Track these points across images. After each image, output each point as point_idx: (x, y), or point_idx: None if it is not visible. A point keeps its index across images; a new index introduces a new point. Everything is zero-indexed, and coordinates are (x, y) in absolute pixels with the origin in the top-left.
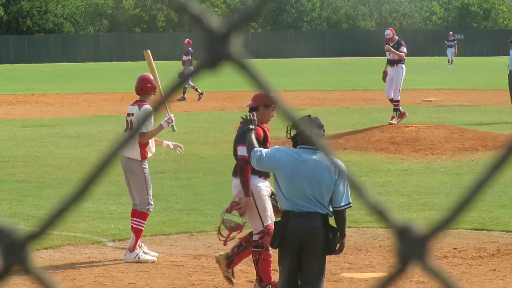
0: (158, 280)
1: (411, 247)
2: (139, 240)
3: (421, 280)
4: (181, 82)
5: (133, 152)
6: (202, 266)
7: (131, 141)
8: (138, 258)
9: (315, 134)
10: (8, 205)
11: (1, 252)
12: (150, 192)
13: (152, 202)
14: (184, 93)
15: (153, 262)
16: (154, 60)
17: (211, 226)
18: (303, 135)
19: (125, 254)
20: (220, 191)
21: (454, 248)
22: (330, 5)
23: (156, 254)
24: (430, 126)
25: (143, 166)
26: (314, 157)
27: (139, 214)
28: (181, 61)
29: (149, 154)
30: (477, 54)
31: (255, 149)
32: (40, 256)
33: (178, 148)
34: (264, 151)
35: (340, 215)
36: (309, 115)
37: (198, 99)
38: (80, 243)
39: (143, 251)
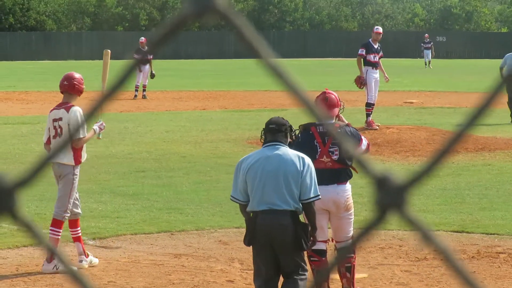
0: (138, 279)
1: (390, 196)
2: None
3: (401, 281)
4: (174, 28)
5: (67, 157)
6: (182, 265)
7: (65, 146)
8: (57, 269)
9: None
10: None
11: None
12: (71, 200)
13: (69, 211)
14: (136, 90)
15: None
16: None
17: (192, 225)
18: (267, 136)
19: (43, 264)
20: (201, 190)
21: (434, 250)
22: (313, 5)
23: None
24: (412, 128)
25: (75, 171)
26: (277, 152)
27: (55, 222)
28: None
29: (83, 159)
30: (459, 57)
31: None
32: (20, 254)
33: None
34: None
35: (309, 208)
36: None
37: (134, 97)
38: (61, 241)
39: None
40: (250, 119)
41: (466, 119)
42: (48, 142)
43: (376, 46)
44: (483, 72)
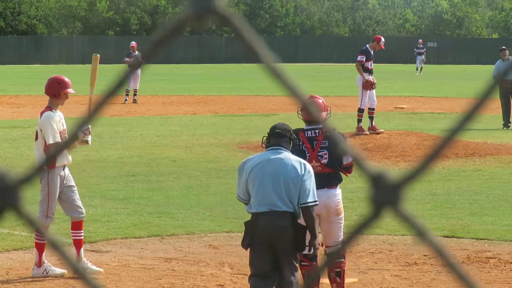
0: (128, 283)
1: (385, 193)
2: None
3: (391, 286)
4: (174, 31)
5: (39, 161)
6: (172, 270)
7: (37, 151)
8: (47, 273)
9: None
10: None
11: None
12: (53, 204)
13: (51, 215)
14: (127, 94)
15: (62, 276)
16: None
17: (182, 229)
18: (271, 140)
19: (33, 269)
20: (191, 194)
21: (424, 255)
22: (304, 11)
23: (63, 271)
24: (402, 133)
25: (50, 176)
26: (279, 156)
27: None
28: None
29: (64, 162)
30: (450, 62)
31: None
32: (10, 257)
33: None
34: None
35: (307, 212)
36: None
37: (124, 102)
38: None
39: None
40: (240, 124)
41: (462, 115)
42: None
43: (372, 53)
44: (474, 77)
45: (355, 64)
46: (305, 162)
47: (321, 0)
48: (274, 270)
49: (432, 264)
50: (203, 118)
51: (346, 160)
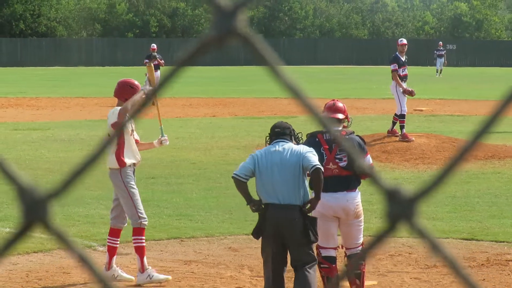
0: (149, 285)
1: (400, 208)
2: (145, 259)
3: (416, 276)
4: (195, 53)
5: (110, 161)
6: (192, 272)
7: (109, 150)
8: (150, 278)
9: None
10: None
11: (23, 209)
12: (138, 205)
13: (143, 215)
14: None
15: (167, 281)
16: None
17: (202, 232)
18: (272, 138)
19: (137, 275)
20: (211, 197)
21: (443, 259)
22: (323, 13)
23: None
24: (421, 135)
25: (122, 175)
26: (283, 146)
27: (135, 231)
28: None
29: (133, 161)
30: (469, 65)
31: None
32: (30, 260)
33: (163, 141)
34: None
35: (315, 175)
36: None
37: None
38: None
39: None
40: (259, 126)
41: (478, 128)
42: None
43: (403, 59)
44: (493, 80)
45: (391, 72)
46: (304, 146)
47: (340, 3)
48: (285, 259)
49: (449, 269)
50: (223, 120)
51: (368, 161)
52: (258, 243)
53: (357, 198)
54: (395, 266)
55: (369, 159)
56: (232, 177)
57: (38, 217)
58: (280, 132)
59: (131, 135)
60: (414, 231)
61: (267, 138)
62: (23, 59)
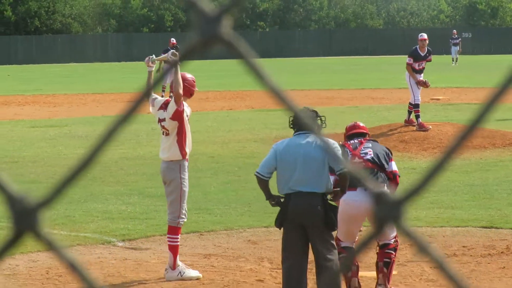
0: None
1: (387, 210)
2: (178, 257)
3: (431, 278)
4: (170, 68)
5: (171, 152)
6: (212, 266)
7: (168, 143)
8: (181, 276)
9: (308, 117)
10: None
11: (13, 218)
12: (184, 205)
13: (184, 215)
14: (163, 91)
15: (198, 279)
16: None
17: (221, 225)
18: (298, 122)
19: (167, 272)
20: (229, 190)
21: (464, 246)
22: (338, 4)
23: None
24: (439, 124)
25: (181, 168)
26: (307, 139)
27: (171, 229)
28: None
29: (188, 150)
30: (485, 53)
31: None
32: (50, 257)
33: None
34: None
35: (343, 179)
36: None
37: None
38: (90, 243)
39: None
40: (277, 118)
41: (460, 133)
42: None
43: (423, 54)
44: (510, 67)
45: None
46: (329, 139)
47: None
48: (306, 249)
49: (471, 255)
50: (239, 113)
51: (390, 167)
52: (277, 235)
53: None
54: (414, 256)
55: (393, 165)
56: (255, 175)
57: (28, 226)
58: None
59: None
60: (402, 232)
61: (291, 119)
62: (39, 56)
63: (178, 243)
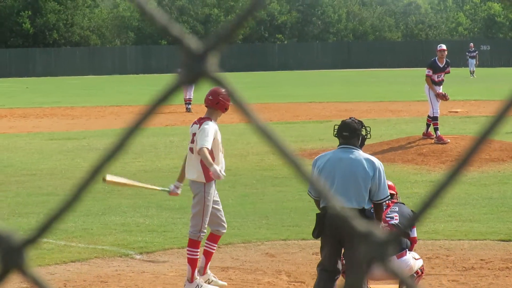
0: None
1: (374, 249)
2: (196, 270)
3: (454, 278)
4: (167, 94)
5: (197, 175)
6: (230, 278)
7: (194, 164)
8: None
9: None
10: (35, 218)
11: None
12: (206, 219)
13: (205, 230)
14: (188, 104)
15: None
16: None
17: (238, 238)
18: (340, 140)
19: (184, 285)
20: (247, 203)
21: (481, 260)
22: (356, 16)
23: (224, 283)
24: (457, 137)
25: (206, 189)
26: (350, 155)
27: (191, 242)
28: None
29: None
30: (504, 65)
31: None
32: (68, 269)
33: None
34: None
35: (379, 207)
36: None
37: (186, 111)
38: (108, 256)
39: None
40: (295, 131)
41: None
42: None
43: (442, 65)
44: None
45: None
46: (374, 159)
47: (373, 6)
48: (339, 261)
49: (489, 269)
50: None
51: (412, 234)
52: (295, 248)
53: (409, 261)
54: (432, 269)
55: (415, 231)
56: (308, 193)
57: (15, 264)
58: (347, 137)
59: (221, 150)
60: (388, 272)
61: (336, 127)
62: (57, 69)
63: (198, 257)
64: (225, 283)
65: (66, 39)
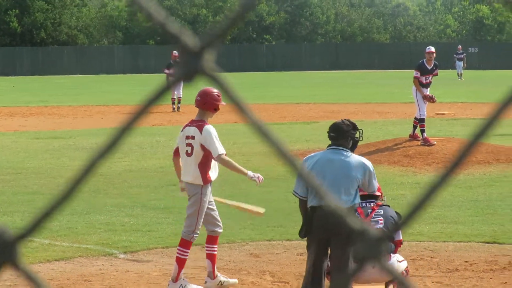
0: None
1: (368, 247)
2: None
3: (438, 280)
4: (161, 93)
5: (194, 177)
6: None
7: (191, 166)
8: None
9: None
10: (20, 217)
11: None
12: (201, 220)
13: (198, 231)
14: (178, 103)
15: None
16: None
17: (223, 238)
18: (330, 141)
19: (168, 284)
20: None
21: (466, 261)
22: (344, 18)
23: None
24: (443, 139)
25: (203, 191)
26: (340, 157)
27: (183, 242)
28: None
29: (215, 177)
30: (491, 68)
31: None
32: (52, 268)
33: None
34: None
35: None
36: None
37: (172, 110)
38: (92, 255)
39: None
40: (282, 132)
41: (438, 177)
42: (176, 154)
43: (430, 67)
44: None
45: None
46: (364, 160)
47: (361, 7)
48: (326, 259)
49: (473, 271)
50: (245, 126)
51: (397, 236)
52: (279, 249)
53: (394, 265)
54: (417, 270)
55: (400, 234)
56: (292, 194)
57: (7, 259)
58: (334, 137)
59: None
60: (382, 269)
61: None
62: (45, 68)
63: (187, 257)
64: (236, 280)
65: (54, 38)
